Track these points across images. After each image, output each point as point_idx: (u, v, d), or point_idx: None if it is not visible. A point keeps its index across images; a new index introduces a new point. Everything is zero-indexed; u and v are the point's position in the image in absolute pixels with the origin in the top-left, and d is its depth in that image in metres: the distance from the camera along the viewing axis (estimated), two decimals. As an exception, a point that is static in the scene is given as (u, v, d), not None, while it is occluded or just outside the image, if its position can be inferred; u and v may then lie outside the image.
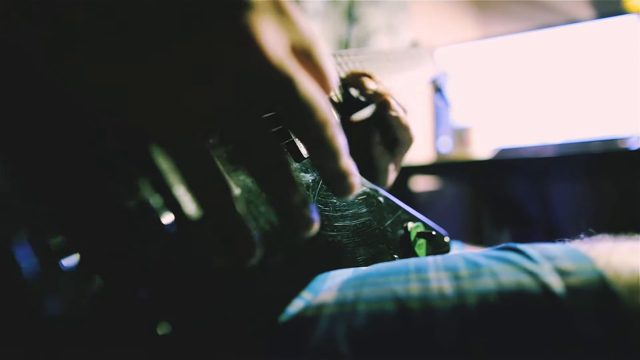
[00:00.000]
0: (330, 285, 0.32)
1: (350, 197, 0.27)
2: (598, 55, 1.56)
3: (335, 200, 0.38)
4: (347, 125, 0.28)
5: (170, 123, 0.24)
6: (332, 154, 0.26)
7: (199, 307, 0.26)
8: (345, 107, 0.48)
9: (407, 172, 1.70)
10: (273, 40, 0.25)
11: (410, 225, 0.44)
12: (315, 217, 0.26)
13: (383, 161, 0.53)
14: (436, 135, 1.94)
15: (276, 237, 0.31)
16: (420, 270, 0.31)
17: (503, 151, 1.69)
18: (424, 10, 2.14)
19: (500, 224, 2.04)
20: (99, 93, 0.25)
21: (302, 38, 0.27)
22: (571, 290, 0.26)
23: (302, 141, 0.27)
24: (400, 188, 1.65)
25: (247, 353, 0.27)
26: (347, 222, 0.39)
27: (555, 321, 0.26)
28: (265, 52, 0.25)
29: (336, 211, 0.38)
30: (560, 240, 0.34)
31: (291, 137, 0.37)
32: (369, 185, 0.43)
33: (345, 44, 1.60)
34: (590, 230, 0.35)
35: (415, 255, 0.43)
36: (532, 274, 0.28)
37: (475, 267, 0.30)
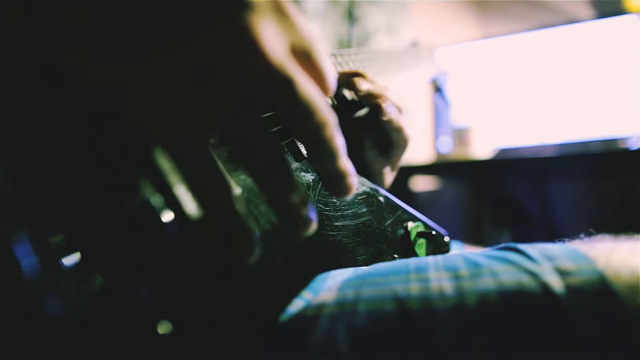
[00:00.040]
0: (330, 285, 0.32)
1: (349, 197, 0.27)
2: (598, 55, 1.56)
3: (335, 200, 0.38)
4: (342, 127, 0.28)
5: (170, 123, 0.24)
6: (330, 154, 0.26)
7: (199, 307, 0.26)
8: (339, 108, 0.47)
9: (407, 172, 1.71)
10: (273, 40, 0.25)
11: (410, 224, 0.44)
12: (313, 216, 0.26)
13: (378, 164, 0.52)
14: (436, 135, 1.94)
15: (276, 236, 0.31)
16: (420, 270, 0.31)
17: (503, 151, 1.69)
18: (424, 10, 2.14)
19: (500, 224, 2.04)
20: (99, 93, 0.25)
21: (302, 38, 0.27)
22: (571, 290, 0.26)
23: (301, 141, 0.27)
24: (400, 188, 1.65)
25: (247, 353, 0.27)
26: (347, 222, 0.39)
27: (555, 321, 0.26)
28: (265, 53, 0.25)
29: (336, 211, 0.38)
30: (560, 240, 0.34)
31: (291, 137, 0.37)
32: (369, 184, 0.43)
33: (345, 44, 1.60)
34: (590, 230, 0.35)
35: (415, 254, 0.43)
36: (532, 273, 0.28)
37: (475, 267, 0.30)
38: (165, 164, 0.27)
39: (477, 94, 1.81)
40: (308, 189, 0.37)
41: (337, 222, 0.38)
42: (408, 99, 1.87)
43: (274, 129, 0.34)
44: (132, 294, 0.24)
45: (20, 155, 0.23)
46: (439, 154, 1.91)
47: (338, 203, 0.39)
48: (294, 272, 0.33)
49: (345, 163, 0.27)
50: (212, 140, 0.27)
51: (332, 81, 0.29)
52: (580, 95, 1.59)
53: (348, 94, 0.49)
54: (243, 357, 0.27)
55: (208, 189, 0.25)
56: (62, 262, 0.22)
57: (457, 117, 1.80)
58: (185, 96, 0.24)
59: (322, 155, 0.26)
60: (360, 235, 0.39)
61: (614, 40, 1.53)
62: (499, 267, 0.29)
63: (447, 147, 1.81)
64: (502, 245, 0.34)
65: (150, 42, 0.24)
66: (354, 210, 0.40)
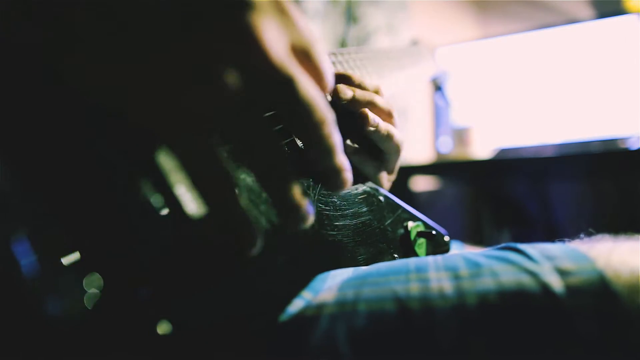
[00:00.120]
0: (330, 285, 0.32)
1: (344, 191, 0.28)
2: (598, 55, 1.56)
3: (335, 200, 0.38)
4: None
5: (171, 123, 0.24)
6: (328, 150, 0.27)
7: (199, 306, 0.26)
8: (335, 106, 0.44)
9: (407, 172, 1.70)
10: (274, 40, 0.25)
11: (410, 224, 0.44)
12: (312, 210, 0.27)
13: (371, 170, 0.48)
14: (436, 135, 1.94)
15: (276, 236, 0.31)
16: (420, 270, 0.31)
17: (503, 151, 1.69)
18: (424, 10, 2.14)
19: (500, 224, 2.04)
20: (99, 93, 0.25)
21: (301, 38, 0.28)
22: (571, 290, 0.26)
23: (300, 138, 0.27)
24: (400, 188, 1.65)
25: (247, 353, 0.27)
26: (347, 222, 0.39)
27: (555, 321, 0.26)
28: (267, 53, 0.25)
29: (336, 210, 0.38)
30: (560, 240, 0.34)
31: (292, 137, 0.37)
32: (369, 184, 0.43)
33: (345, 44, 1.60)
34: (590, 230, 0.35)
35: (415, 254, 0.43)
36: (532, 273, 0.28)
37: (475, 266, 0.30)
38: (165, 163, 0.27)
39: (477, 94, 1.81)
40: (308, 189, 0.37)
41: (337, 221, 0.38)
42: (408, 99, 1.87)
43: (275, 128, 0.34)
44: (132, 294, 0.24)
45: (20, 155, 0.23)
46: (439, 154, 1.91)
47: (338, 203, 0.39)
48: (294, 272, 0.33)
49: (342, 158, 0.28)
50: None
51: (330, 79, 0.30)
52: (580, 95, 1.59)
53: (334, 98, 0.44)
54: (243, 357, 0.27)
55: (213, 186, 0.25)
56: (62, 262, 0.22)
57: (457, 117, 1.80)
58: (185, 96, 0.24)
59: (320, 151, 0.27)
60: (360, 234, 0.39)
61: (614, 40, 1.53)
62: (499, 267, 0.29)
63: (447, 147, 1.81)
64: (502, 245, 0.34)
65: (150, 42, 0.24)
66: (354, 209, 0.40)
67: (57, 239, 0.22)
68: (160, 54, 0.24)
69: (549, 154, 1.52)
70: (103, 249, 0.24)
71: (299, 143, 0.37)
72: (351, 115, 0.43)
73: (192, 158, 0.25)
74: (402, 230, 0.43)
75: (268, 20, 0.26)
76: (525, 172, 1.86)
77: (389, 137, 0.45)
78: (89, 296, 0.22)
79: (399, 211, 0.44)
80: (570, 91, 1.61)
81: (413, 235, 0.44)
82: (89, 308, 0.22)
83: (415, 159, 1.83)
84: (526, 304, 0.27)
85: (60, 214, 0.23)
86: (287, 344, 0.29)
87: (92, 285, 0.22)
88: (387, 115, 0.46)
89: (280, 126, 0.35)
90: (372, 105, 0.44)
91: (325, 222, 0.37)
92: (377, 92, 0.46)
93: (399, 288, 0.30)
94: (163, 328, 0.23)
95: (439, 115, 1.91)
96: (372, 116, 0.43)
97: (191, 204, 0.27)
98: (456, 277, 0.30)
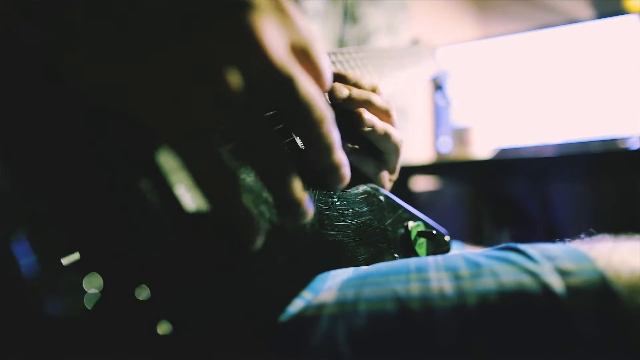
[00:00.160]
0: (330, 285, 0.32)
1: (342, 188, 0.29)
2: (598, 55, 1.56)
3: (336, 200, 0.38)
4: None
5: (171, 123, 0.24)
6: (327, 147, 0.28)
7: (199, 306, 0.26)
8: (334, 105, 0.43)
9: (407, 172, 1.70)
10: (274, 40, 0.25)
11: (410, 224, 0.44)
12: (311, 206, 0.28)
13: (371, 170, 0.47)
14: (436, 135, 1.94)
15: (276, 236, 0.31)
16: (420, 270, 0.31)
17: (503, 151, 1.69)
18: (424, 10, 2.14)
19: (500, 224, 2.04)
20: (99, 93, 0.25)
21: (301, 37, 0.28)
22: (572, 290, 0.26)
23: (300, 136, 0.27)
24: (400, 188, 1.65)
25: (247, 353, 0.27)
26: (347, 221, 0.39)
27: (555, 321, 0.26)
28: (266, 52, 0.25)
29: (337, 210, 0.38)
30: (560, 240, 0.34)
31: (292, 136, 0.37)
32: (370, 184, 0.43)
33: (345, 44, 1.60)
34: (590, 230, 0.35)
35: (415, 254, 0.43)
36: (532, 274, 0.28)
37: (475, 267, 0.30)
38: (165, 163, 0.27)
39: (477, 94, 1.81)
40: (308, 189, 0.37)
41: (337, 221, 0.38)
42: (408, 98, 1.87)
43: (276, 128, 0.34)
44: (132, 294, 0.24)
45: (20, 155, 0.23)
46: (439, 153, 1.91)
47: (339, 202, 0.39)
48: (294, 272, 0.33)
49: (340, 155, 0.29)
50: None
51: (328, 78, 0.30)
52: (580, 95, 1.59)
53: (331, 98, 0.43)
54: (243, 357, 0.27)
55: (216, 183, 0.25)
56: (62, 262, 0.22)
57: (457, 117, 1.80)
58: (185, 96, 0.24)
59: (320, 149, 0.28)
60: (360, 234, 0.39)
61: (614, 40, 1.53)
62: (500, 267, 0.29)
63: (447, 147, 1.81)
64: (503, 245, 0.34)
65: (150, 42, 0.24)
66: (354, 209, 0.40)
67: (57, 239, 0.22)
68: (160, 54, 0.24)
69: (549, 154, 1.52)
70: (103, 249, 0.24)
71: (299, 143, 0.37)
72: (348, 114, 0.43)
73: (195, 157, 0.25)
74: (402, 230, 0.43)
75: (268, 20, 0.26)
76: (525, 172, 1.86)
77: (386, 136, 0.44)
78: (89, 296, 0.22)
79: (400, 211, 0.44)
80: (570, 91, 1.61)
81: (413, 235, 0.44)
82: (89, 308, 0.22)
83: (415, 159, 1.83)
84: (527, 304, 0.27)
85: (60, 214, 0.23)
86: (287, 344, 0.29)
87: (92, 285, 0.22)
88: (385, 115, 0.45)
89: (281, 126, 0.35)
90: (369, 104, 0.43)
91: (326, 222, 0.37)
92: (374, 91, 0.45)
93: (400, 288, 0.30)
94: (163, 328, 0.23)
95: (439, 115, 1.91)
96: (369, 115, 0.43)
97: (191, 203, 0.27)
98: (456, 277, 0.30)
